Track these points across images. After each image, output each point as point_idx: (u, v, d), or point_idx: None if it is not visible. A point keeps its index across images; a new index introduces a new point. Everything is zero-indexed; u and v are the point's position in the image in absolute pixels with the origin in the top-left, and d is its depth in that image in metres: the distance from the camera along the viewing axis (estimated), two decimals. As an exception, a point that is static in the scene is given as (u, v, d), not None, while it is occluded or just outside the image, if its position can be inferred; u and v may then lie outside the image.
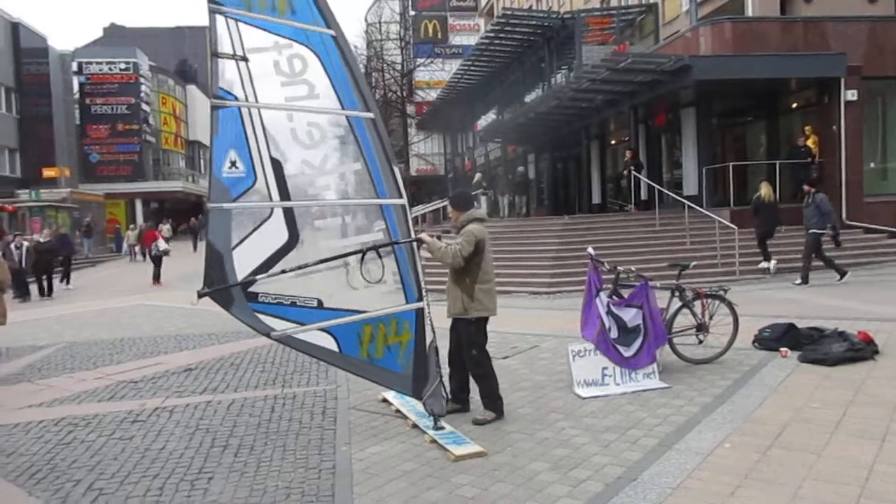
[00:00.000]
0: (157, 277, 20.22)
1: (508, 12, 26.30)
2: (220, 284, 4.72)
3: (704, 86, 15.86)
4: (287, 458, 4.80)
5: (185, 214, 46.41)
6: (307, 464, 4.66)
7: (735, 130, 19.70)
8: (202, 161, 65.35)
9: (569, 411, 5.50)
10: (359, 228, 5.22)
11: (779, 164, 15.89)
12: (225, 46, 4.70)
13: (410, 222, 5.32)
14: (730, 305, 6.85)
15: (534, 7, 36.31)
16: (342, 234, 5.19)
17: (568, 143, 26.37)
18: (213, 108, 4.70)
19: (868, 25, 16.48)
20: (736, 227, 13.26)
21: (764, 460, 4.22)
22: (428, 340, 5.17)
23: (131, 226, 36.67)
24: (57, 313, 14.06)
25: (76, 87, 48.68)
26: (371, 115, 5.19)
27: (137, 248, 30.45)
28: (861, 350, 6.52)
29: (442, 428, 5.01)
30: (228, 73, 4.72)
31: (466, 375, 5.55)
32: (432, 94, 40.27)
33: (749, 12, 19.44)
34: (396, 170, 5.26)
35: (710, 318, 6.82)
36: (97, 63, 49.04)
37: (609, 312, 6.14)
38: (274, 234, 4.83)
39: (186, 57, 63.95)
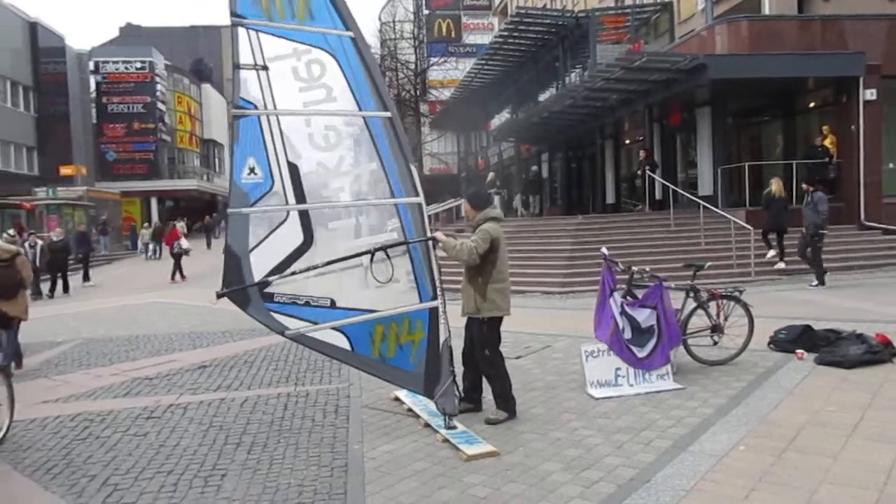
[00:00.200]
0: (178, 274, 20.58)
1: (522, 11, 26.23)
2: (237, 286, 4.83)
3: (720, 85, 15.74)
4: (300, 455, 4.82)
5: (200, 213, 46.75)
6: (320, 462, 4.67)
7: (751, 130, 19.53)
8: (217, 160, 65.77)
9: (581, 412, 5.48)
10: (373, 228, 5.23)
11: (795, 164, 15.74)
12: (246, 58, 4.83)
13: (427, 221, 5.31)
14: (745, 306, 6.79)
15: (548, 6, 36.19)
16: (356, 234, 5.21)
17: (582, 142, 26.27)
18: (235, 117, 4.85)
19: (888, 24, 16.27)
20: (752, 228, 13.15)
21: (779, 463, 4.18)
22: (441, 339, 5.16)
23: (145, 224, 36.94)
24: (74, 310, 14.20)
25: (93, 86, 49.13)
26: (388, 114, 5.22)
27: (152, 246, 30.69)
28: (879, 353, 6.43)
29: (454, 427, 5.01)
30: (249, 82, 4.84)
31: (479, 375, 5.54)
32: (446, 94, 40.23)
33: (766, 11, 19.28)
34: (413, 168, 5.27)
35: (725, 319, 6.77)
36: (113, 62, 49.47)
37: (623, 313, 6.11)
38: (289, 236, 4.93)
39: (201, 56, 64.34)
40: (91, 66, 49.14)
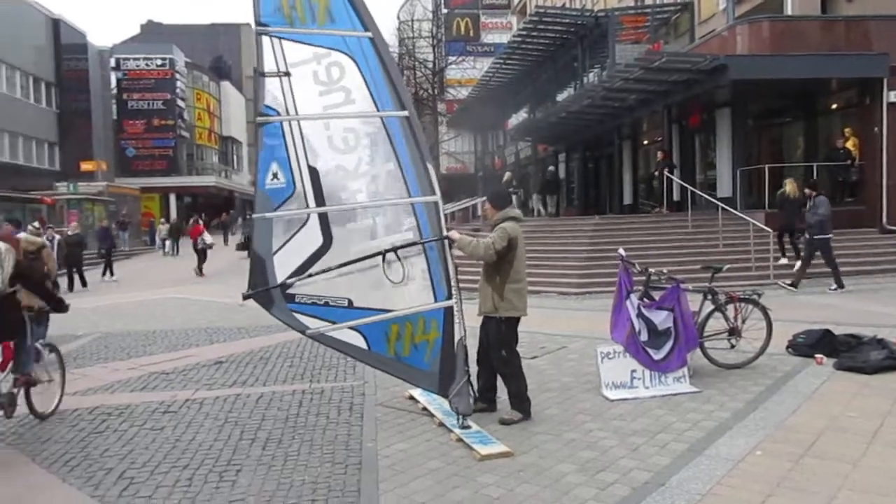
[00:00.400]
0: (200, 269, 20.93)
1: (541, 10, 26.11)
2: (262, 287, 5.01)
3: (741, 86, 15.59)
4: (314, 452, 4.83)
5: (217, 209, 47.05)
6: (334, 459, 4.69)
7: (771, 131, 19.33)
8: (235, 156, 66.21)
9: (597, 413, 5.45)
10: (389, 228, 5.27)
11: (816, 167, 15.56)
12: (270, 65, 4.93)
13: (443, 219, 5.32)
14: (763, 310, 6.72)
15: (567, 5, 36.03)
16: (373, 235, 5.27)
17: (600, 142, 26.13)
18: (259, 125, 4.96)
19: (912, 25, 16.03)
20: (771, 230, 13.02)
21: (797, 469, 4.13)
22: (456, 338, 5.16)
23: (162, 220, 37.24)
24: (93, 304, 14.34)
25: (114, 83, 49.63)
26: (405, 113, 5.25)
27: (169, 243, 30.94)
28: (900, 358, 6.34)
29: (468, 427, 5.01)
30: (272, 89, 4.94)
31: (494, 374, 5.53)
32: (463, 92, 40.19)
33: (788, 11, 19.03)
34: (430, 167, 5.29)
35: (743, 322, 6.71)
36: (134, 59, 49.95)
37: (639, 315, 6.07)
38: (310, 238, 5.05)
39: (221, 54, 64.81)
40: (112, 62, 49.64)
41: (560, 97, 28.01)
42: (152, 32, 61.93)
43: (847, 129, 15.76)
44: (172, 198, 48.26)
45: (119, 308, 13.60)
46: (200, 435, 5.32)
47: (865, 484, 3.88)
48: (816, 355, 6.75)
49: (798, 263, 12.38)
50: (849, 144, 15.45)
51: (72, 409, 6.16)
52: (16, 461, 4.93)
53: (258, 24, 4.91)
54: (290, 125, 5.00)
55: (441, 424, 5.22)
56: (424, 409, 5.63)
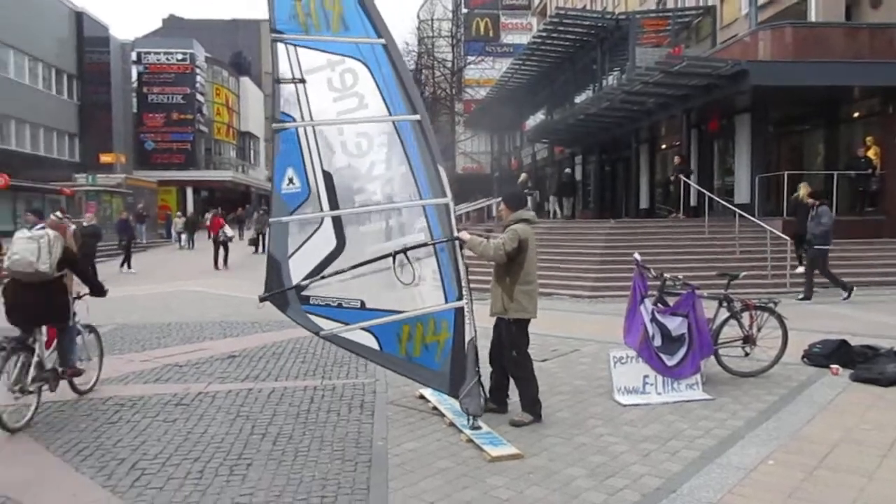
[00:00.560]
0: (224, 261, 21.37)
1: (562, 12, 26.09)
2: (277, 289, 5.18)
3: (761, 92, 15.48)
4: (324, 449, 4.85)
5: (234, 204, 47.34)
6: (344, 456, 4.70)
7: (791, 139, 19.16)
8: (252, 152, 66.55)
9: (608, 418, 5.42)
10: (402, 230, 5.32)
11: (836, 175, 15.40)
12: (285, 72, 5.06)
13: (454, 221, 5.35)
14: (779, 318, 6.66)
15: (587, 7, 35.91)
16: (386, 237, 5.32)
17: (617, 145, 26.02)
18: (275, 131, 5.11)
19: (939, 33, 15.85)
20: (788, 238, 12.91)
21: (810, 480, 4.09)
22: (467, 339, 5.17)
23: (178, 213, 37.49)
24: (109, 295, 14.43)
25: (134, 76, 50.04)
26: (417, 116, 5.30)
27: (185, 236, 31.14)
28: (918, 371, 6.26)
29: (479, 428, 5.01)
30: (288, 95, 5.07)
31: (506, 375, 5.52)
32: (481, 93, 40.16)
33: (812, 17, 18.84)
34: (441, 169, 5.32)
35: (759, 330, 6.65)
36: (155, 53, 50.39)
37: (653, 320, 6.04)
38: (324, 241, 5.18)
39: (241, 49, 65.18)
40: (133, 56, 50.06)
41: (578, 99, 27.92)
42: (174, 27, 62.44)
43: (868, 138, 15.58)
44: (189, 191, 48.63)
45: (135, 300, 13.70)
46: (212, 428, 5.35)
47: (880, 498, 3.84)
48: (832, 366, 6.68)
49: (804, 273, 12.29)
50: (870, 153, 15.28)
51: (86, 399, 6.22)
52: (30, 449, 4.98)
53: (273, 31, 5.04)
54: (305, 131, 5.13)
55: (451, 424, 5.22)
56: (435, 408, 5.63)
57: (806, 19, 18.75)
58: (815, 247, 11.61)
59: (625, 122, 22.23)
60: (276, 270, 5.17)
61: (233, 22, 67.75)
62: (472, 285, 5.30)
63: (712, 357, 6.46)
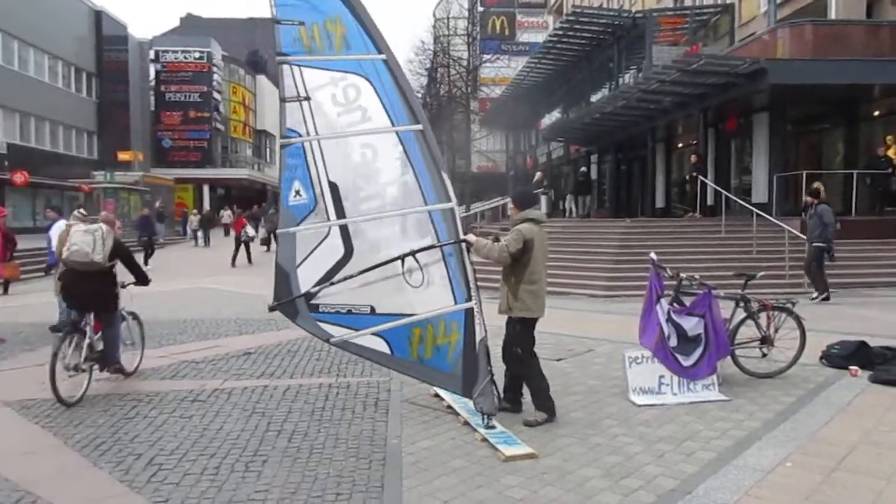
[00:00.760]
0: (247, 259, 21.65)
1: (578, 10, 25.95)
2: (286, 298, 5.30)
3: (780, 90, 15.33)
4: (339, 446, 4.86)
5: (250, 202, 47.60)
6: (358, 453, 4.71)
7: (810, 137, 18.95)
8: (268, 150, 66.88)
9: (623, 418, 5.40)
10: (408, 236, 5.40)
11: (856, 174, 15.22)
12: (290, 91, 5.24)
13: (459, 225, 5.45)
14: (797, 319, 6.60)
15: (604, 5, 35.72)
16: (393, 244, 5.39)
17: (633, 144, 25.88)
18: (282, 146, 5.30)
19: (961, 31, 15.61)
20: (806, 238, 12.76)
21: (828, 482, 4.05)
22: (478, 339, 5.21)
23: (194, 210, 37.71)
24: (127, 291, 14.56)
25: (152, 75, 50.46)
26: (420, 126, 5.41)
27: (201, 234, 31.36)
28: (938, 373, 6.18)
29: (493, 427, 5.01)
30: (294, 113, 5.25)
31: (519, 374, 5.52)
32: (497, 91, 40.08)
33: (832, 15, 18.63)
34: (445, 175, 5.44)
35: (776, 331, 6.59)
36: (173, 52, 50.81)
37: (669, 320, 6.00)
38: (332, 250, 5.30)
39: (257, 48, 65.52)
40: (151, 54, 50.54)
41: (594, 98, 27.80)
42: (191, 25, 62.92)
43: (889, 137, 15.38)
44: (206, 189, 48.94)
45: (152, 296, 13.79)
46: (228, 424, 5.39)
47: (899, 501, 3.79)
48: (851, 367, 6.60)
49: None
50: (890, 153, 15.10)
51: (103, 395, 6.29)
52: (50, 444, 5.04)
53: (279, 54, 5.25)
54: (311, 145, 5.29)
55: (466, 423, 5.22)
56: (449, 407, 5.63)
57: (826, 17, 18.55)
58: (813, 244, 11.50)
59: (641, 120, 22.10)
60: (284, 280, 5.30)
61: (250, 20, 68.10)
62: (483, 284, 5.33)
63: (729, 358, 6.41)
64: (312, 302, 5.28)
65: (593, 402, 5.83)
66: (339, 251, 5.28)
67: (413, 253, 5.22)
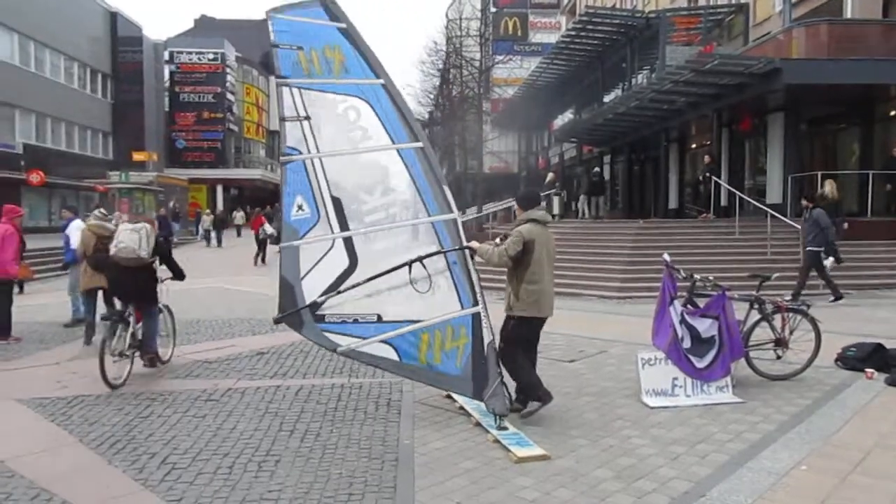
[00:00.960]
0: (262, 259, 21.89)
1: (591, 10, 25.82)
2: (291, 310, 5.40)
3: (795, 90, 15.20)
4: (351, 446, 4.87)
5: (263, 202, 47.81)
6: (370, 454, 4.72)
7: (825, 138, 18.79)
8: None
9: (635, 420, 5.38)
10: (412, 247, 5.50)
11: (872, 175, 15.07)
12: (290, 111, 5.44)
13: (462, 233, 5.56)
14: (812, 321, 6.54)
15: (617, 5, 35.58)
16: (397, 254, 5.47)
17: (646, 145, 25.76)
18: (282, 164, 5.45)
19: (979, 30, 15.42)
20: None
21: (843, 486, 4.01)
22: (486, 342, 5.27)
23: (207, 210, 37.90)
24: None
25: (167, 76, 50.81)
26: (420, 144, 5.60)
27: (214, 234, 31.53)
28: (956, 376, 6.11)
29: (505, 428, 5.01)
30: (294, 132, 5.43)
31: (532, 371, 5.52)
32: (509, 92, 40.02)
33: (848, 14, 18.43)
34: (446, 188, 5.60)
35: (791, 333, 6.54)
36: (187, 53, 51.16)
37: (683, 321, 5.97)
38: (336, 261, 5.41)
39: (271, 49, 65.74)
40: (166, 55, 50.90)
41: (607, 98, 27.68)
42: (205, 27, 63.23)
43: (905, 137, 15.24)
44: (220, 189, 49.22)
45: (166, 296, 13.89)
46: (241, 424, 5.41)
47: (916, 506, 3.75)
48: (867, 370, 6.55)
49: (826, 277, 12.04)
50: (906, 153, 14.93)
51: (118, 394, 6.34)
52: (65, 442, 5.09)
53: (279, 77, 5.45)
54: (313, 162, 5.42)
55: (478, 424, 5.22)
56: (461, 407, 5.64)
57: (841, 16, 18.37)
58: (808, 248, 11.39)
59: (654, 121, 22.00)
60: (289, 292, 5.38)
61: (263, 22, 67.21)
62: (494, 285, 5.35)
63: (743, 360, 6.37)
64: (318, 313, 5.36)
65: (606, 404, 5.81)
66: (345, 262, 5.40)
67: (420, 259, 5.32)
